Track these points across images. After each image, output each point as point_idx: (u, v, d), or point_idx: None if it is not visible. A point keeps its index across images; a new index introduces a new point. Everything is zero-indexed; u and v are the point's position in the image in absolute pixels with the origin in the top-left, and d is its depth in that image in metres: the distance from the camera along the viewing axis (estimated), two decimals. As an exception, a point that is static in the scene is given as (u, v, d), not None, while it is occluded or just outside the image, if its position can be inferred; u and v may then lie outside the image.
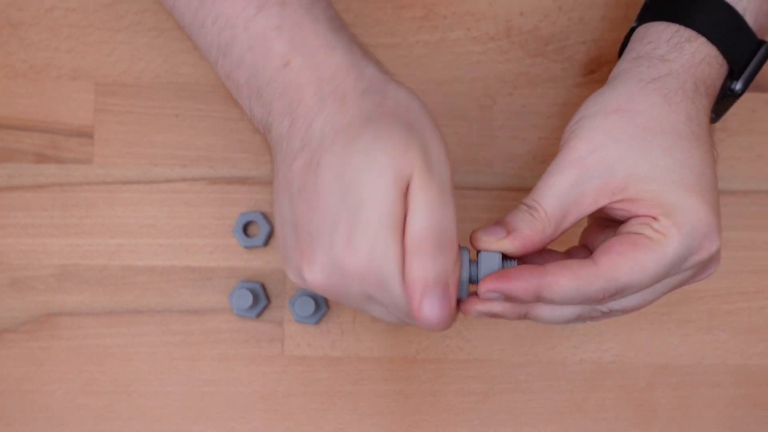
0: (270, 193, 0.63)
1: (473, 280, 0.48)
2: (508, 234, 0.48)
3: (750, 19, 0.52)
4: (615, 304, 0.49)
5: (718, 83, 0.52)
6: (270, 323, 0.63)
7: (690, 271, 0.49)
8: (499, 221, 0.48)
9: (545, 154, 0.63)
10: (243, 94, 0.50)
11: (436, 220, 0.44)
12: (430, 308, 0.44)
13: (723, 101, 0.55)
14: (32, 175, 0.63)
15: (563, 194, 0.48)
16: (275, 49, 0.47)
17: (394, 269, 0.44)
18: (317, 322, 0.62)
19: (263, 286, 0.62)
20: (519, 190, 0.63)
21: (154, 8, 0.63)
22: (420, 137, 0.45)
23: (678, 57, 0.50)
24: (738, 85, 0.53)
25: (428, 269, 0.44)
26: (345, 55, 0.47)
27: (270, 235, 0.62)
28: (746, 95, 0.62)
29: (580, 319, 0.49)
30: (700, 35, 0.51)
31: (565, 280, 0.46)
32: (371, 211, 0.43)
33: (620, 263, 0.46)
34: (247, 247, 0.62)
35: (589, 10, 0.63)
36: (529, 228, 0.48)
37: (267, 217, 0.62)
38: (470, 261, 0.48)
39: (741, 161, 0.63)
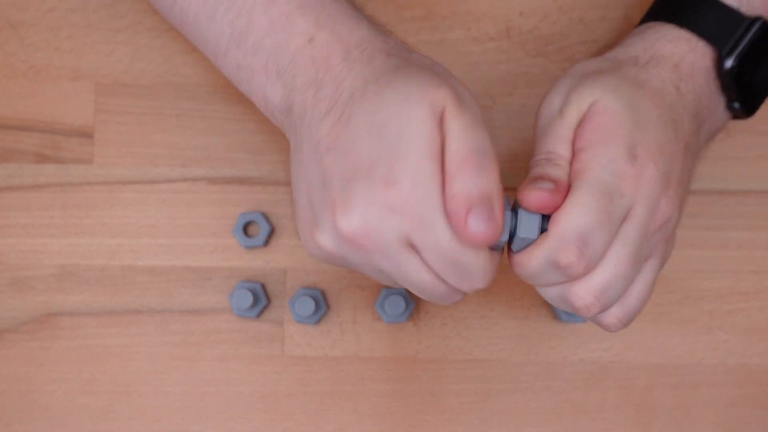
0: (270, 193, 0.63)
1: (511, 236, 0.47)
2: (556, 187, 0.46)
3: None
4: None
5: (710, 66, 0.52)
6: (270, 323, 0.63)
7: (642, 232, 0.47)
8: (536, 177, 0.47)
9: (545, 154, 0.63)
10: (257, 81, 0.50)
11: (474, 142, 0.44)
12: (476, 223, 0.43)
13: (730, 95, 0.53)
14: (32, 175, 0.63)
15: (568, 140, 0.48)
16: (299, 27, 0.48)
17: (437, 199, 0.43)
18: (317, 322, 0.62)
19: (263, 286, 0.62)
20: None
21: (154, 8, 0.63)
22: (449, 80, 0.46)
23: (652, 47, 0.52)
24: (729, 62, 0.51)
25: (471, 186, 0.43)
26: (369, 28, 0.48)
27: (270, 235, 0.62)
28: (746, 95, 0.62)
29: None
30: (681, 29, 0.52)
31: (530, 253, 0.46)
32: (410, 142, 0.43)
33: (565, 212, 0.46)
34: (247, 247, 0.62)
35: (589, 10, 0.63)
36: (563, 174, 0.47)
37: (267, 217, 0.62)
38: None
39: (741, 161, 0.63)
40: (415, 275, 0.45)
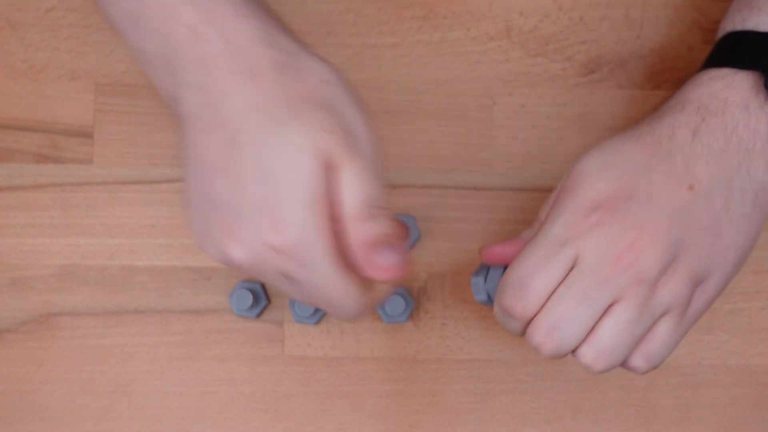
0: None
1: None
2: (512, 240, 0.52)
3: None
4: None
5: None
6: (270, 323, 0.63)
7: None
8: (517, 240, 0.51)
9: (545, 154, 0.63)
10: (151, 65, 0.48)
11: (367, 192, 0.45)
12: (383, 258, 0.45)
13: None
14: (32, 175, 0.63)
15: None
16: (184, 19, 0.46)
17: (321, 245, 0.44)
18: (317, 322, 0.62)
19: (263, 286, 0.62)
20: (519, 190, 0.63)
21: None
22: (339, 116, 0.45)
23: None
24: None
25: (371, 230, 0.44)
26: (257, 24, 0.46)
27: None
28: (746, 95, 0.62)
29: None
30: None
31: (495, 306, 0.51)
32: (295, 191, 0.44)
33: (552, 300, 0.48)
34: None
35: (589, 10, 0.63)
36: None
37: (267, 217, 0.62)
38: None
39: (741, 161, 0.63)
40: (291, 294, 0.48)
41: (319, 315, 0.61)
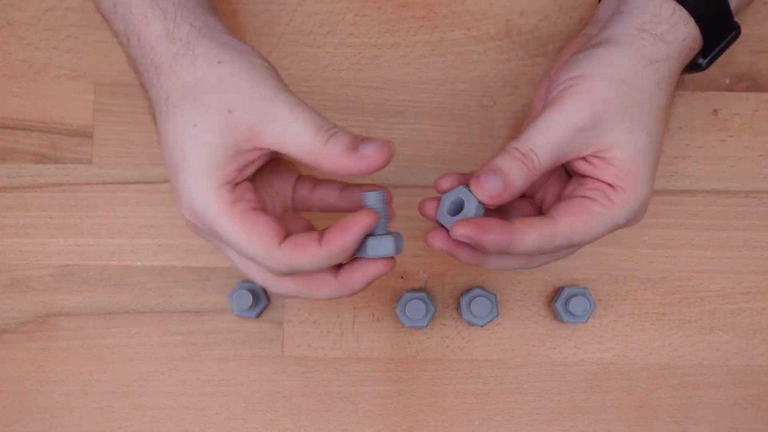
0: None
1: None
2: (505, 189, 0.49)
3: (732, 2, 0.54)
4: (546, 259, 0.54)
5: (690, 60, 0.55)
6: (270, 323, 0.63)
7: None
8: (496, 169, 0.50)
9: (545, 154, 0.63)
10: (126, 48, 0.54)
11: (309, 123, 0.48)
12: (369, 146, 0.48)
13: (683, 72, 0.56)
14: (32, 175, 0.63)
15: (560, 149, 0.50)
16: (119, 28, 0.53)
17: (212, 208, 0.49)
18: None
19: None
20: (519, 190, 0.62)
21: (154, 8, 0.63)
22: (239, 89, 0.49)
23: (674, 39, 0.52)
24: (704, 63, 0.56)
25: (344, 140, 0.48)
26: (159, 25, 0.51)
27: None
28: (747, 95, 0.62)
29: (523, 267, 0.53)
30: (691, 17, 0.52)
31: (530, 237, 0.49)
32: (194, 165, 0.49)
33: (577, 226, 0.50)
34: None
35: (589, 10, 0.63)
36: (522, 180, 0.50)
37: (267, 217, 0.62)
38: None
39: (742, 161, 0.63)
40: (231, 258, 0.52)
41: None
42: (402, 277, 0.63)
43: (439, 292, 0.63)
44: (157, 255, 0.63)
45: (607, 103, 0.50)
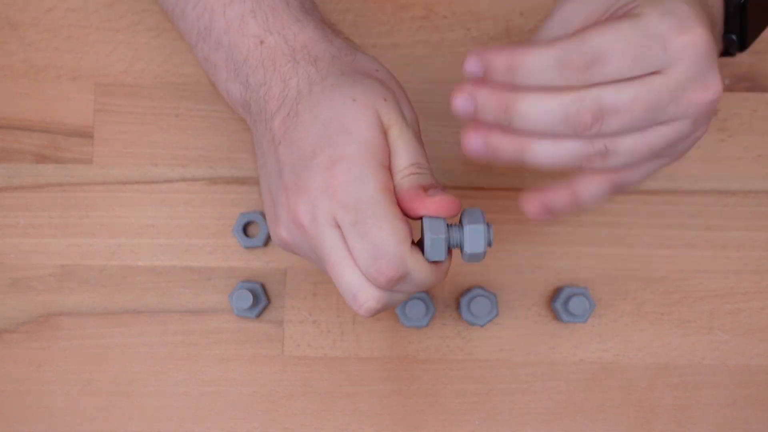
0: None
1: (455, 245, 0.49)
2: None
3: None
4: (611, 142, 0.46)
5: None
6: (270, 323, 0.63)
7: (686, 119, 0.47)
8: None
9: (545, 154, 0.63)
10: (220, 75, 0.53)
11: (417, 157, 0.49)
12: (436, 196, 0.47)
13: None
14: (32, 175, 0.63)
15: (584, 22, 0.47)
16: (251, 30, 0.51)
17: (371, 185, 0.47)
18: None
19: (263, 286, 0.62)
20: (519, 190, 0.62)
21: (154, 8, 0.63)
22: (393, 93, 0.50)
23: None
24: None
25: (421, 180, 0.48)
26: (315, 30, 0.51)
27: (270, 236, 0.62)
28: (747, 95, 0.62)
29: (578, 160, 0.47)
30: None
31: (540, 48, 0.45)
32: (352, 134, 0.47)
33: (595, 27, 0.45)
34: (246, 248, 0.62)
35: (590, 10, 0.63)
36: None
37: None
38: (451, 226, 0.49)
39: (741, 161, 0.63)
40: (337, 259, 0.48)
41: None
42: (402, 277, 0.63)
43: (439, 292, 0.63)
44: (157, 255, 0.63)
45: None
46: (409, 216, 0.48)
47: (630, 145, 0.46)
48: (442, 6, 0.63)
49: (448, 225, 0.49)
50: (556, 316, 0.62)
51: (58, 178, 0.63)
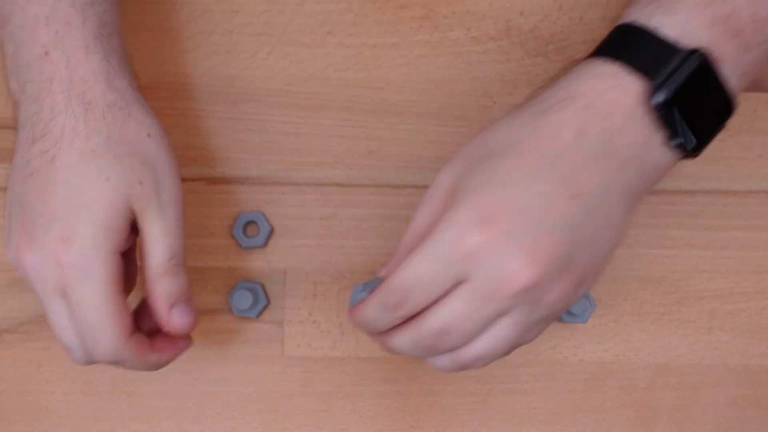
0: (270, 193, 0.63)
1: None
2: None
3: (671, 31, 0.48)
4: (465, 353, 0.48)
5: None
6: (270, 323, 0.63)
7: (513, 311, 0.46)
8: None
9: (545, 154, 0.63)
10: (8, 65, 0.53)
11: (172, 248, 0.51)
12: (180, 315, 0.52)
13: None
14: (32, 175, 0.63)
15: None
16: (40, 37, 0.51)
17: (101, 268, 0.49)
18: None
19: (263, 287, 0.62)
20: (519, 190, 0.62)
21: (154, 8, 0.63)
22: (154, 172, 0.51)
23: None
24: (659, 97, 0.47)
25: (173, 286, 0.52)
26: (100, 64, 0.51)
27: (270, 236, 0.62)
28: (747, 95, 0.62)
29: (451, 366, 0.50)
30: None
31: (367, 303, 0.49)
32: (93, 216, 0.49)
33: (400, 266, 0.47)
34: (246, 248, 0.62)
35: (590, 10, 0.63)
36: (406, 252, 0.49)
37: (267, 218, 0.62)
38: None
39: (742, 161, 0.63)
40: (58, 322, 0.51)
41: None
42: (402, 277, 0.63)
43: (439, 292, 0.63)
44: (157, 255, 0.63)
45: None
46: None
47: (482, 349, 0.48)
48: (442, 6, 0.63)
49: None
50: (556, 316, 0.62)
51: (58, 178, 0.63)
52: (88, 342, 0.50)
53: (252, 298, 0.60)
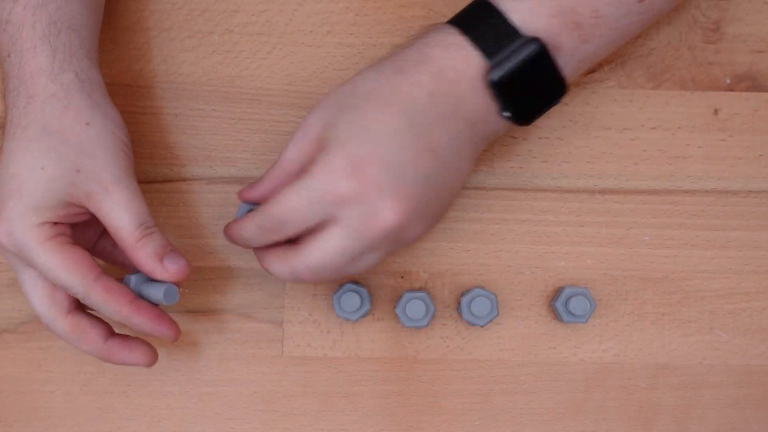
0: (270, 193, 0.63)
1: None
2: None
3: (516, 17, 0.53)
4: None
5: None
6: (270, 323, 0.63)
7: (373, 250, 0.53)
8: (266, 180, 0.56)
9: (545, 154, 0.63)
10: None
11: (139, 216, 0.54)
12: (174, 262, 0.54)
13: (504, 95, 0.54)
14: (32, 175, 0.63)
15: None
16: (2, 41, 0.55)
17: (33, 236, 0.52)
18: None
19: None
20: (519, 189, 0.62)
21: (154, 8, 0.63)
22: (94, 159, 0.53)
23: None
24: (494, 75, 0.53)
25: (154, 245, 0.54)
26: (46, 59, 0.54)
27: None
28: (747, 95, 0.62)
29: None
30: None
31: (242, 221, 0.55)
32: (24, 198, 0.52)
33: (277, 195, 0.52)
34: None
35: (590, 9, 0.63)
36: (275, 181, 0.55)
37: (267, 217, 0.62)
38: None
39: (742, 161, 0.63)
40: (27, 290, 0.55)
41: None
42: (402, 277, 0.63)
43: (439, 292, 0.63)
44: (157, 255, 0.63)
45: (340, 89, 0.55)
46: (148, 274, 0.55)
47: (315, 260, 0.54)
48: (442, 6, 0.63)
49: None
50: (557, 316, 0.62)
51: (58, 178, 0.63)
52: (58, 295, 0.54)
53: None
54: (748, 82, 0.63)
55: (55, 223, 0.53)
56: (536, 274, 0.63)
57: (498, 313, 0.61)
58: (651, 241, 0.63)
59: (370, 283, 0.63)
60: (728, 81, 0.63)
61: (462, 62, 0.53)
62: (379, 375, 0.63)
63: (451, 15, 0.63)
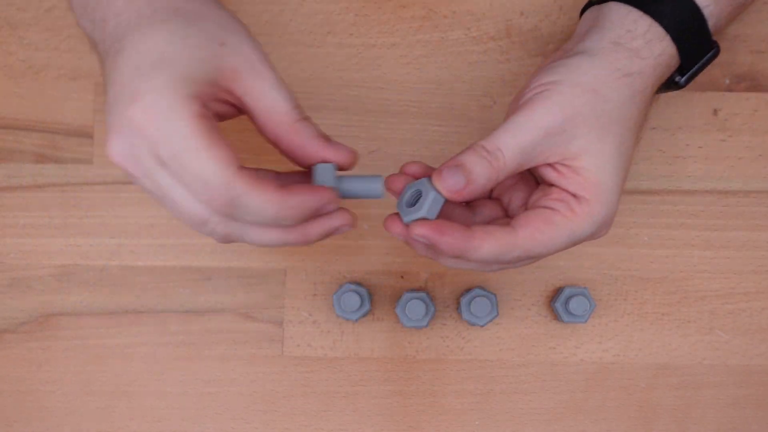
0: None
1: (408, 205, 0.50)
2: (467, 185, 0.49)
3: (711, 22, 0.53)
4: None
5: (667, 77, 0.55)
6: (270, 323, 0.63)
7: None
8: (459, 165, 0.49)
9: (545, 154, 0.63)
10: (78, 12, 0.52)
11: (292, 96, 0.48)
12: (338, 148, 0.49)
13: (662, 90, 0.57)
14: (32, 175, 0.63)
15: (526, 151, 0.50)
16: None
17: (179, 120, 0.44)
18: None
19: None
20: (519, 190, 0.62)
21: (154, 8, 0.63)
22: (236, 35, 0.48)
23: (649, 55, 0.52)
24: (682, 80, 0.55)
25: (313, 126, 0.49)
26: None
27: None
28: (747, 95, 0.62)
29: (477, 269, 0.52)
30: (667, 34, 0.52)
31: (488, 246, 0.49)
32: (170, 69, 0.44)
33: (537, 238, 0.49)
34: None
35: (590, 9, 0.63)
36: (485, 179, 0.49)
37: (267, 217, 0.62)
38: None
39: (742, 161, 0.63)
40: (171, 192, 0.46)
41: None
42: (402, 277, 0.63)
43: (439, 292, 0.63)
44: (157, 255, 0.63)
45: (577, 109, 0.50)
46: (299, 163, 0.49)
47: (520, 264, 0.53)
48: (442, 6, 0.63)
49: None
50: (557, 316, 0.62)
51: (58, 178, 0.63)
52: (201, 191, 0.45)
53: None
54: (748, 82, 0.63)
55: (204, 106, 0.45)
56: (536, 274, 0.63)
57: (498, 313, 0.61)
58: (651, 241, 0.63)
59: (370, 283, 0.63)
60: (728, 81, 0.63)
61: (668, 73, 0.54)
62: (379, 375, 0.63)
63: (451, 15, 0.63)
